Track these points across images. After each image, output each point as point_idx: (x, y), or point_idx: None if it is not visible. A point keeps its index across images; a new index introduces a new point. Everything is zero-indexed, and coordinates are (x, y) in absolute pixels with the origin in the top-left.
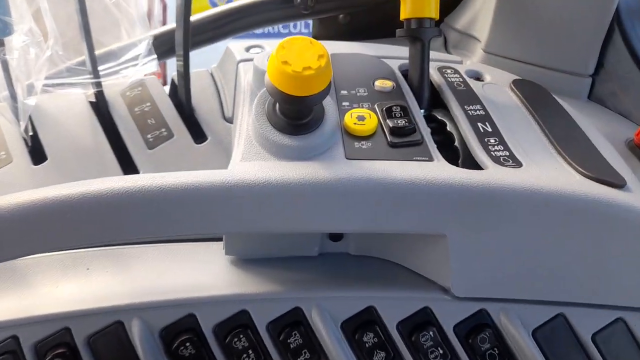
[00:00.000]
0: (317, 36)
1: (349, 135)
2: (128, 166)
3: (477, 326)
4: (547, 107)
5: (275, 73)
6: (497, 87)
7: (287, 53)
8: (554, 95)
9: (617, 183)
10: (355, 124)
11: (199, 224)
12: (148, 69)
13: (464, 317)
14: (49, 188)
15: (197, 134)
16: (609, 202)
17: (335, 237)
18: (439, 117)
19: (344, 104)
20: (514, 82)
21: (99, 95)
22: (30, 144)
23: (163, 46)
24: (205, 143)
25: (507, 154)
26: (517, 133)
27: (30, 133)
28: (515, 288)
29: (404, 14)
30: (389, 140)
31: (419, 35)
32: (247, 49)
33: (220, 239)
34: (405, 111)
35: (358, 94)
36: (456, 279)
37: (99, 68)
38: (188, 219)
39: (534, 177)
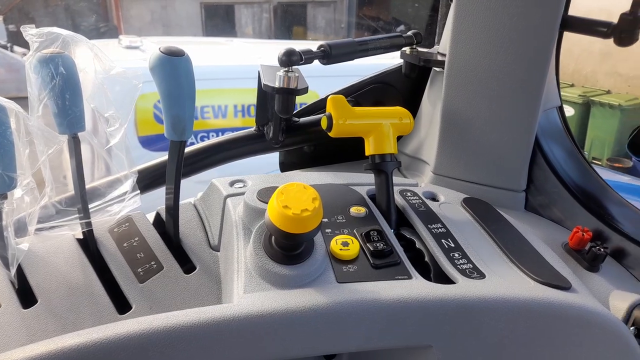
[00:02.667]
0: (284, 162)
1: (336, 260)
2: (121, 302)
3: None
4: (495, 221)
5: (276, 215)
6: (451, 206)
7: (285, 198)
8: (498, 209)
9: (565, 286)
10: (341, 249)
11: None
12: (133, 205)
13: None
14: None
15: (186, 264)
16: (561, 304)
17: (330, 355)
18: (407, 236)
19: (327, 231)
20: (464, 200)
21: (89, 234)
22: (17, 286)
23: (144, 181)
24: (194, 273)
25: (471, 266)
26: (475, 246)
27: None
28: None
29: (368, 151)
30: (371, 262)
31: (383, 169)
32: (231, 184)
33: None
34: (381, 235)
35: (337, 221)
36: None
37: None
38: (194, 357)
39: (498, 287)
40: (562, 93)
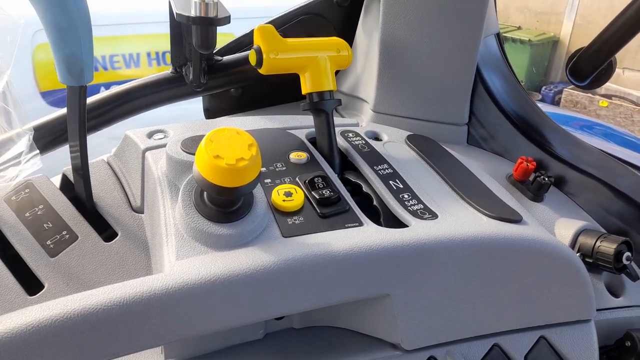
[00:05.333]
0: (209, 109)
1: (280, 212)
2: (29, 281)
3: None
4: (441, 157)
5: (207, 168)
6: (395, 145)
7: (216, 146)
8: (442, 145)
9: (516, 219)
10: (284, 201)
11: (137, 342)
12: (32, 167)
13: None
14: None
15: (105, 230)
16: (515, 237)
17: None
18: (353, 180)
19: (266, 181)
20: (409, 138)
21: None
22: None
23: (45, 138)
24: (116, 240)
25: (422, 207)
26: (424, 185)
27: None
28: (456, 330)
29: (305, 89)
30: (318, 212)
31: (323, 108)
32: (149, 135)
33: None
34: (327, 181)
35: (277, 170)
36: (404, 333)
37: None
38: (123, 340)
39: (452, 227)
40: None
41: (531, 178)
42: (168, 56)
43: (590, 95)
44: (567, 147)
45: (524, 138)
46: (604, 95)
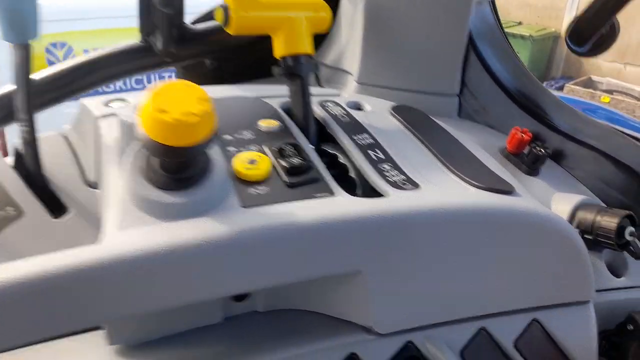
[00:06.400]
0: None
1: (242, 182)
2: None
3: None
4: (428, 128)
5: (151, 123)
6: (379, 115)
7: (163, 100)
8: (430, 117)
9: (507, 189)
10: (246, 168)
11: (69, 320)
12: None
13: (391, 354)
14: None
15: (55, 207)
16: (504, 209)
17: (240, 296)
18: (330, 151)
19: (229, 149)
20: (394, 108)
21: None
22: None
23: None
24: (67, 216)
25: (403, 177)
26: (407, 156)
27: None
28: (436, 312)
29: (279, 52)
30: (286, 181)
31: (297, 72)
32: (106, 103)
33: (98, 327)
34: (298, 149)
35: (244, 138)
36: (377, 315)
37: None
38: (54, 317)
39: (434, 197)
40: None
41: (526, 150)
42: None
43: (591, 90)
44: (567, 120)
45: (519, 110)
46: (605, 91)
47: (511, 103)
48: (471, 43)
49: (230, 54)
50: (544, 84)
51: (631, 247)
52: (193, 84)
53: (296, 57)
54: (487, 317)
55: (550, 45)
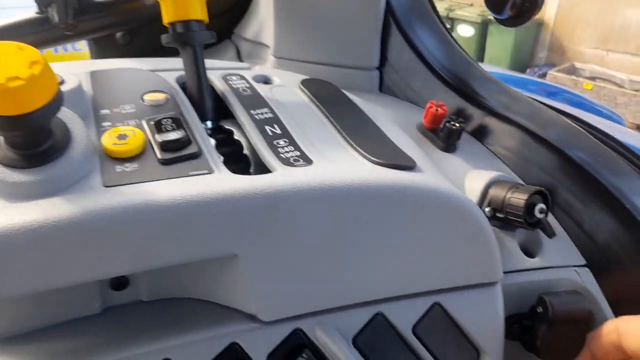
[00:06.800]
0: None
1: (110, 159)
2: None
3: (294, 349)
4: (336, 102)
5: None
6: (286, 89)
7: None
8: (344, 91)
9: (407, 165)
10: (114, 144)
11: None
12: None
13: (277, 343)
14: None
15: None
16: (399, 185)
17: (119, 285)
18: (227, 128)
19: (104, 124)
20: (303, 81)
21: None
22: None
23: None
24: None
25: (298, 153)
26: (308, 132)
27: None
28: (327, 297)
29: (167, 18)
30: (159, 157)
31: (188, 40)
32: None
33: None
34: (178, 122)
35: (123, 112)
36: (260, 301)
37: None
38: None
39: (322, 173)
40: (461, 13)
41: (442, 125)
42: None
43: (574, 77)
44: (494, 96)
45: (443, 85)
46: (588, 78)
47: (434, 78)
48: (392, 16)
49: (143, 27)
50: (528, 71)
51: (543, 225)
52: (27, 46)
53: (186, 24)
54: (384, 302)
55: (534, 32)
